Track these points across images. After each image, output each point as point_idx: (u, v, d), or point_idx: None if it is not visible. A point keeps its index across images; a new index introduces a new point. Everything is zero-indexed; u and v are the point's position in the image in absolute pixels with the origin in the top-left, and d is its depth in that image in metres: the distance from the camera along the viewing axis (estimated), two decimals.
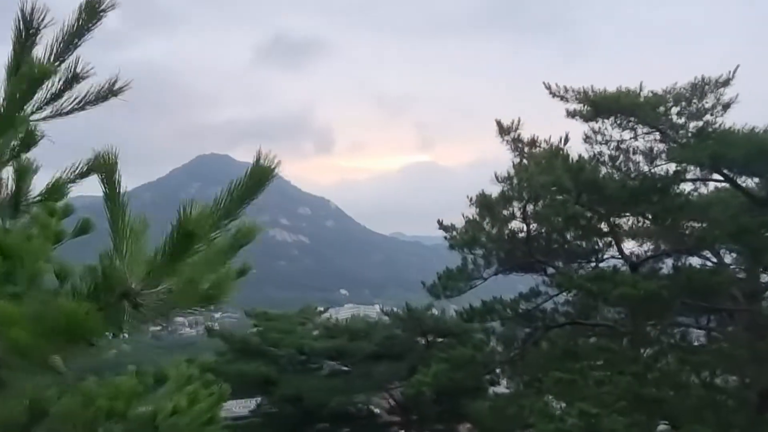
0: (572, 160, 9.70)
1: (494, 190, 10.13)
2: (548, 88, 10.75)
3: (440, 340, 17.70)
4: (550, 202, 10.18)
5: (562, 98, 10.73)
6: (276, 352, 18.06)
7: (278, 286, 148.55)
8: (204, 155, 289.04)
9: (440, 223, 10.50)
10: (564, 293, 11.66)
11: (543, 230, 11.09)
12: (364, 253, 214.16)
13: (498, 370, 13.45)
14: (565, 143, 10.19)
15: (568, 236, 11.01)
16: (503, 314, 11.94)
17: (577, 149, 10.39)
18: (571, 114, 10.51)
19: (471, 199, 10.07)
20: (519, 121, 10.57)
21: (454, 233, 10.30)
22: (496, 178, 10.33)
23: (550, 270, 11.21)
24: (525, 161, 10.05)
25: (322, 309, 21.24)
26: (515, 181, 9.99)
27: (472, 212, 10.16)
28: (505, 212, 10.16)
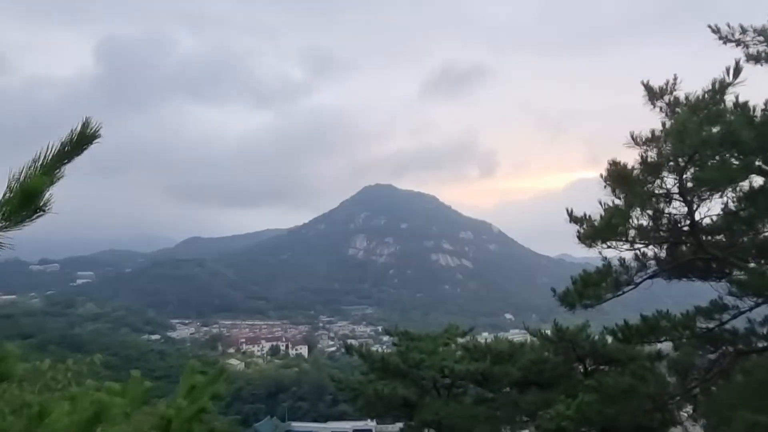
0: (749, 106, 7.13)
1: (630, 158, 7.80)
2: (716, 31, 8.35)
3: (602, 367, 15.22)
4: (720, 164, 7.20)
5: (738, 43, 8.26)
6: (417, 373, 17.21)
7: (443, 311, 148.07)
8: (369, 186, 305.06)
9: (570, 214, 8.27)
10: (762, 304, 8.71)
11: (713, 211, 8.09)
12: (530, 277, 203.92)
13: (671, 407, 10.64)
14: (735, 76, 7.30)
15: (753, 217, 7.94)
16: (673, 334, 9.44)
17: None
18: (754, 58, 7.91)
19: (602, 177, 7.83)
20: (675, 80, 7.89)
21: (585, 226, 8.06)
22: (633, 138, 7.58)
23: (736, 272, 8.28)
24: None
25: (466, 329, 19.92)
26: (663, 142, 7.37)
27: (609, 197, 7.90)
28: (648, 188, 7.62)
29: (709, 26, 8.70)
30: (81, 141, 1.71)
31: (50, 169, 1.67)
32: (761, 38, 8.24)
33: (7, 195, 1.63)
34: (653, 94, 8.46)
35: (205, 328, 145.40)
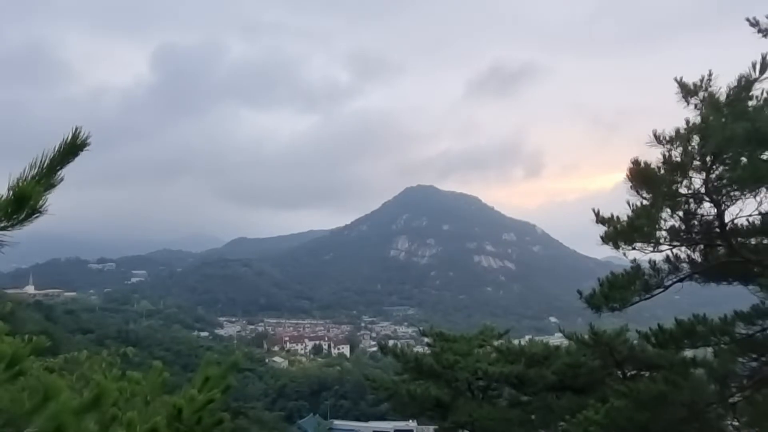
0: None
1: (654, 157, 7.47)
2: (755, 24, 7.93)
3: (642, 373, 14.77)
4: (747, 163, 6.88)
5: None
6: (451, 374, 17.18)
7: (486, 313, 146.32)
8: (411, 187, 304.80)
9: (597, 215, 8.01)
10: None
11: (743, 213, 7.60)
12: (575, 279, 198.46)
13: (709, 416, 10.19)
14: (762, 72, 7.00)
15: None
16: (711, 340, 9.09)
17: None
18: None
19: (628, 177, 7.52)
20: (710, 75, 7.49)
21: (610, 227, 7.78)
22: (656, 137, 7.35)
23: None
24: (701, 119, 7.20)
25: (501, 331, 19.70)
26: (689, 139, 6.95)
27: (635, 197, 7.57)
28: (674, 188, 7.26)
29: (747, 19, 8.33)
30: (72, 150, 1.92)
31: (44, 175, 1.88)
32: None
33: (8, 197, 1.85)
34: (687, 91, 8.17)
35: (251, 326, 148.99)
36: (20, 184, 1.79)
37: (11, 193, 1.79)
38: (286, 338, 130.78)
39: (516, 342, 19.15)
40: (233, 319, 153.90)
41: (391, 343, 26.17)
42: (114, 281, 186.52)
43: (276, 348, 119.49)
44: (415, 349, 22.60)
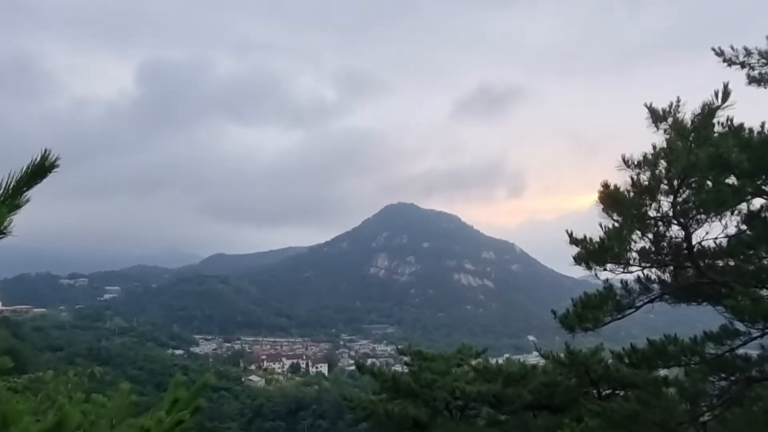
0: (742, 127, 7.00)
1: (623, 181, 7.71)
2: (720, 53, 8.31)
3: (617, 392, 14.92)
4: (711, 188, 7.12)
5: (743, 65, 8.18)
6: (429, 393, 17.11)
7: (465, 331, 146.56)
8: (392, 205, 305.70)
9: (570, 236, 8.20)
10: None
11: (710, 235, 7.86)
12: (553, 298, 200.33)
13: None
14: (724, 100, 7.24)
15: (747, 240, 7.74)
16: (681, 360, 9.26)
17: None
18: (756, 80, 7.83)
19: (599, 200, 7.70)
20: (678, 102, 7.74)
21: (585, 248, 7.95)
22: (624, 161, 7.58)
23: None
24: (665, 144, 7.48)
25: (479, 350, 19.76)
26: (656, 164, 7.24)
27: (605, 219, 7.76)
28: (643, 211, 7.48)
29: (713, 49, 8.70)
30: (39, 171, 1.91)
31: (10, 196, 1.87)
32: (765, 60, 8.20)
33: None
34: (657, 117, 8.45)
35: (228, 344, 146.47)
36: None
37: None
38: (264, 356, 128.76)
39: (494, 361, 19.20)
40: (209, 337, 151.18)
41: (369, 361, 26.03)
42: (86, 297, 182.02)
43: (253, 366, 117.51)
44: (393, 368, 22.48)
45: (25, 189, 1.93)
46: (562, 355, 14.92)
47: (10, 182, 1.91)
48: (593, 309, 8.16)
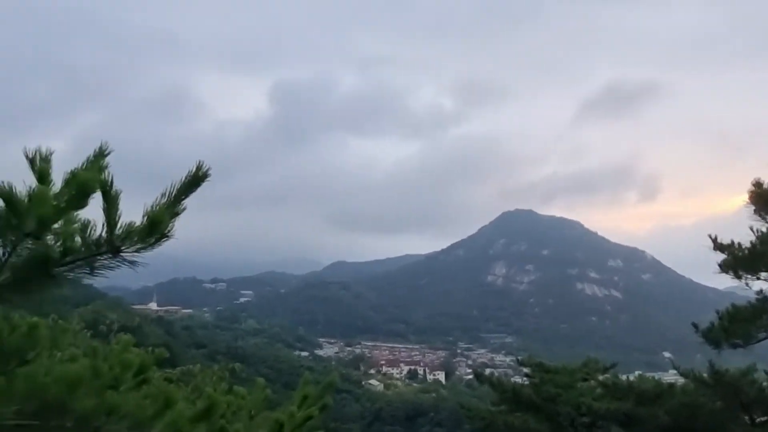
0: None
1: None
2: None
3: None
4: None
5: None
6: (552, 407, 16.27)
7: (589, 344, 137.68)
8: (509, 212, 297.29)
9: (715, 241, 7.19)
10: None
11: None
12: (691, 311, 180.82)
13: None
14: None
15: None
16: None
17: None
18: None
19: (750, 200, 6.60)
20: None
21: (733, 254, 6.90)
22: None
23: None
24: None
25: (607, 365, 18.38)
26: None
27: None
28: None
29: None
30: (195, 181, 2.16)
31: (172, 203, 2.13)
32: None
33: (142, 223, 2.12)
34: None
35: (349, 348, 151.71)
36: (153, 211, 2.04)
37: (146, 219, 2.04)
38: (382, 362, 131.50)
39: (624, 377, 17.80)
40: (332, 341, 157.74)
41: (487, 371, 25.40)
42: (225, 300, 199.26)
43: (372, 371, 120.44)
44: (512, 379, 21.72)
45: (183, 197, 2.19)
46: (705, 374, 13.40)
47: (172, 191, 2.18)
48: (744, 323, 7.24)
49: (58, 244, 1.99)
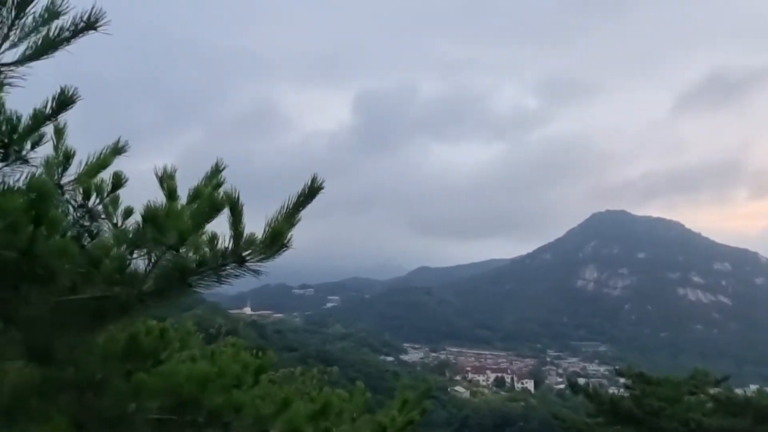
0: None
1: None
2: None
3: None
4: None
5: None
6: (655, 422, 15.20)
7: (695, 354, 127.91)
8: (599, 213, 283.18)
9: None
10: None
11: None
12: None
13: None
14: None
15: None
16: None
17: None
18: None
19: None
20: None
21: None
22: None
23: None
24: None
25: (719, 377, 16.87)
26: None
27: None
28: None
29: None
30: (311, 193, 2.29)
31: (290, 215, 2.27)
32: None
33: (264, 235, 2.28)
34: None
35: (434, 354, 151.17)
36: (274, 223, 2.19)
37: (268, 230, 2.19)
38: (468, 368, 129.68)
39: (739, 391, 16.31)
40: (417, 346, 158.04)
41: (580, 381, 24.28)
42: (313, 305, 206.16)
43: (458, 377, 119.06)
44: (608, 390, 20.55)
45: (300, 209, 2.33)
46: None
47: (289, 203, 2.33)
48: None
49: (193, 255, 2.18)
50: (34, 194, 1.63)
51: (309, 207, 2.32)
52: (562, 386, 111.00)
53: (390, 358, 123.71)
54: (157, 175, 2.84)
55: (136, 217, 2.86)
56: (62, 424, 1.85)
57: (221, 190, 2.73)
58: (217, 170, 2.91)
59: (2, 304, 2.08)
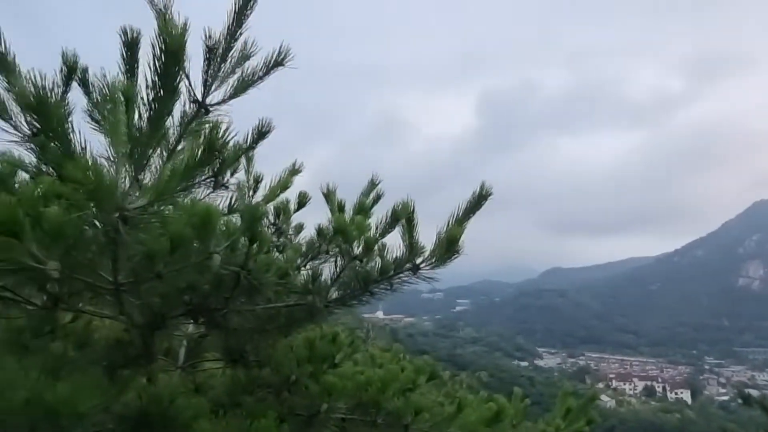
0: None
1: None
2: None
3: None
4: None
5: None
6: None
7: None
8: (762, 201, 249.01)
9: None
10: None
11: None
12: None
13: None
14: None
15: None
16: None
17: None
18: None
19: None
20: None
21: None
22: None
23: None
24: None
25: None
26: None
27: None
28: None
29: None
30: (480, 200, 2.33)
31: (461, 221, 2.32)
32: None
33: (437, 243, 2.35)
34: None
35: (572, 360, 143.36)
36: (449, 231, 2.26)
37: (443, 238, 2.27)
38: (612, 375, 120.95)
39: None
40: (552, 351, 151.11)
41: (747, 392, 21.39)
42: (443, 309, 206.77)
43: (600, 385, 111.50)
44: (740, 391, 17.83)
45: (470, 215, 2.37)
46: None
47: (459, 211, 2.38)
48: None
49: (375, 264, 2.32)
50: (250, 216, 1.85)
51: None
52: (725, 397, 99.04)
53: (524, 363, 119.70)
54: (322, 191, 3.08)
55: (310, 231, 3.13)
56: (272, 419, 2.07)
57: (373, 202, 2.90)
58: (373, 184, 3.06)
59: (214, 313, 2.39)
